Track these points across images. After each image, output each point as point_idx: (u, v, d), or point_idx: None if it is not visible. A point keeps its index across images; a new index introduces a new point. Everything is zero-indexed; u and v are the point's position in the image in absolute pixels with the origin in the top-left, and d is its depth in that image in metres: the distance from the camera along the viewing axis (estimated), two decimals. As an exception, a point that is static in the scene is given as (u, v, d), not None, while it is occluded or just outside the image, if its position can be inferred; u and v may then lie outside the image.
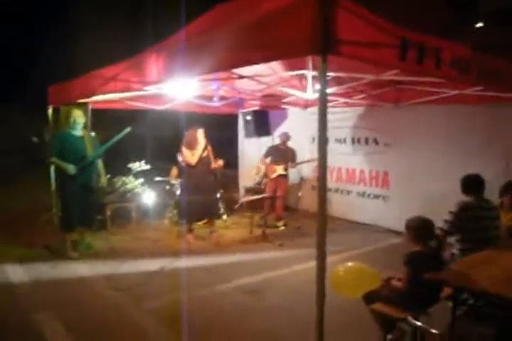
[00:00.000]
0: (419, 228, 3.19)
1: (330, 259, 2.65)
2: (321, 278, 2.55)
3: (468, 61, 3.52)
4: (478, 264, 3.17)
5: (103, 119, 7.60)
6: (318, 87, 2.54)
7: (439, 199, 5.54)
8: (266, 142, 8.45)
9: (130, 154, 9.28)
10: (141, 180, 7.56)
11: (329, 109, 2.55)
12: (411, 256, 3.09)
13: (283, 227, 7.29)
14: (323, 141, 2.52)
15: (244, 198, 7.33)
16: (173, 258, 5.44)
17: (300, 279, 4.81)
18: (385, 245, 6.25)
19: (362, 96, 6.17)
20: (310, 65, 4.30)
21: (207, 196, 6.19)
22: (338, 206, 7.68)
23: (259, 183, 8.25)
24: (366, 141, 7.38)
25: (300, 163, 7.34)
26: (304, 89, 5.29)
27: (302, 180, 7.50)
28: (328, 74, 2.49)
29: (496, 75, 3.99)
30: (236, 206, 8.03)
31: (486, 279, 2.83)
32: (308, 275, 4.54)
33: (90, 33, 20.31)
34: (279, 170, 7.22)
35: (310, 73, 4.55)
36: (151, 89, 4.54)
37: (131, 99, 6.28)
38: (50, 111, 6.98)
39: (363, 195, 7.49)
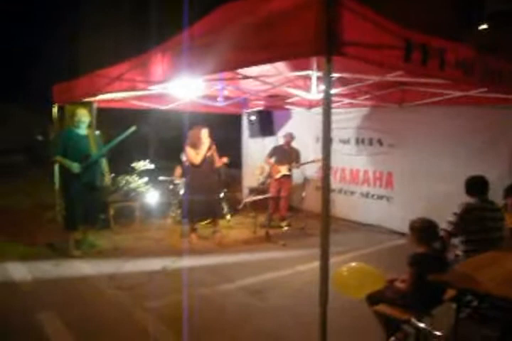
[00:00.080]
0: (423, 229, 3.18)
1: (333, 260, 2.66)
2: (325, 278, 2.55)
3: (472, 62, 3.52)
4: (482, 266, 3.15)
5: (108, 118, 7.61)
6: (322, 87, 2.54)
7: (443, 200, 5.53)
8: (270, 142, 8.45)
9: (134, 153, 9.32)
10: (145, 179, 7.57)
11: (333, 110, 2.55)
12: (415, 258, 3.08)
13: (286, 228, 7.28)
14: (327, 142, 2.52)
15: (247, 198, 7.33)
16: (176, 258, 5.45)
17: (303, 279, 4.80)
18: (388, 246, 6.24)
19: (366, 97, 6.16)
20: (315, 65, 4.30)
21: (210, 196, 6.19)
22: (342, 207, 7.66)
23: (263, 183, 8.24)
24: (370, 142, 7.36)
25: (304, 164, 7.33)
26: (308, 89, 5.29)
27: (306, 180, 7.49)
28: (332, 75, 2.49)
29: (500, 76, 3.98)
30: (240, 206, 8.03)
31: (490, 281, 2.82)
32: (311, 276, 4.56)
33: (94, 32, 20.35)
34: (283, 170, 7.22)
35: (315, 74, 4.55)
36: (156, 89, 4.55)
37: (136, 98, 6.30)
38: (55, 109, 7.01)
39: (366, 195, 7.47)
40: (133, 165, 7.64)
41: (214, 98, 6.29)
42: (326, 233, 2.53)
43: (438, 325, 3.18)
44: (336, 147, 7.60)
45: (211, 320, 3.87)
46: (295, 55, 2.64)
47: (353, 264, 4.02)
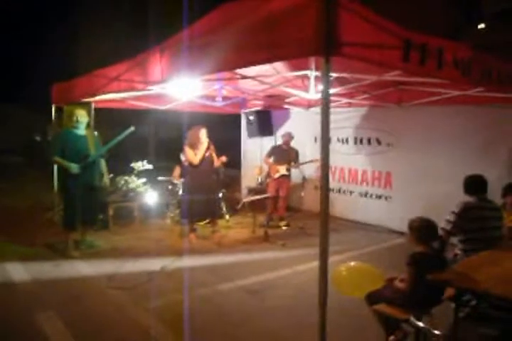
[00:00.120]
0: (422, 228, 3.19)
1: (332, 259, 2.66)
2: (324, 278, 2.56)
3: (470, 62, 3.53)
4: (481, 265, 3.16)
5: (106, 118, 7.61)
6: (321, 87, 2.54)
7: (441, 199, 5.53)
8: (268, 142, 8.46)
9: (133, 153, 9.32)
10: (144, 179, 7.57)
11: (332, 109, 2.56)
12: (414, 257, 3.08)
13: (285, 227, 7.29)
14: (325, 141, 2.52)
15: (246, 198, 7.33)
16: (175, 258, 5.45)
17: (302, 279, 4.80)
18: (387, 245, 6.25)
19: (364, 96, 6.17)
20: (313, 65, 4.31)
21: (209, 196, 6.19)
22: (341, 206, 7.67)
23: (261, 183, 8.25)
24: (369, 141, 7.38)
25: (303, 164, 7.33)
26: (306, 89, 5.29)
27: (305, 180, 7.50)
28: (331, 74, 2.49)
29: (498, 76, 3.99)
30: (238, 206, 8.04)
31: (489, 280, 2.82)
32: (310, 275, 4.57)
33: (93, 32, 20.31)
34: (282, 170, 7.22)
35: (313, 73, 4.55)
36: (154, 89, 4.55)
37: (134, 98, 6.30)
38: (53, 110, 7.01)
39: (365, 195, 7.49)
40: (132, 165, 7.64)
41: (212, 98, 6.28)
42: (325, 232, 2.53)
43: (437, 324, 3.18)
44: (334, 146, 7.61)
45: (210, 319, 3.87)
46: (294, 55, 2.65)
47: (352, 264, 4.03)
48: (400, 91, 5.89)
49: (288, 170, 7.27)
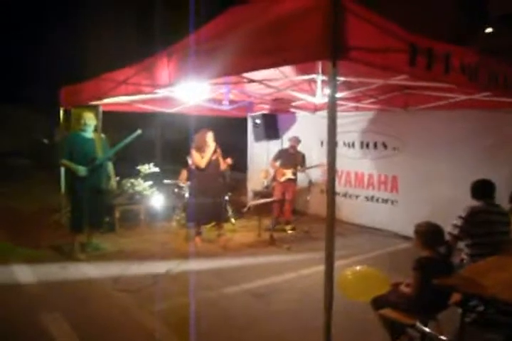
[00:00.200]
0: (428, 233, 3.18)
1: (338, 263, 2.65)
2: (330, 282, 2.55)
3: (477, 67, 3.52)
4: (488, 270, 3.14)
5: (113, 121, 7.65)
6: (327, 91, 2.55)
7: (448, 203, 5.51)
8: (275, 146, 8.47)
9: (139, 156, 9.35)
10: (150, 182, 7.59)
11: (338, 113, 2.56)
12: (420, 262, 3.07)
13: (291, 231, 7.28)
14: (332, 145, 2.52)
15: (252, 202, 7.33)
16: (180, 261, 5.45)
17: (308, 283, 4.80)
18: (393, 249, 6.23)
19: (371, 100, 6.17)
20: (320, 69, 4.32)
21: (215, 199, 6.20)
22: (347, 210, 7.66)
23: (267, 187, 8.25)
24: (375, 145, 7.36)
25: (309, 168, 7.33)
26: (313, 93, 5.30)
27: (311, 183, 7.49)
28: (337, 78, 2.50)
29: (505, 81, 3.98)
30: (244, 209, 8.04)
31: (496, 285, 2.80)
32: (316, 280, 4.56)
33: (94, 32, 20.42)
34: (288, 174, 7.22)
35: (319, 77, 4.56)
36: (161, 92, 4.58)
37: (141, 101, 6.34)
38: (61, 113, 7.06)
39: (371, 199, 7.46)
40: (138, 168, 7.67)
41: (219, 101, 6.31)
42: (331, 236, 2.53)
43: (443, 329, 3.17)
44: (340, 151, 7.60)
45: (215, 323, 3.87)
46: (301, 59, 2.66)
47: (358, 268, 4.01)
48: (407, 95, 5.88)
49: (294, 173, 7.26)
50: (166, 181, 7.71)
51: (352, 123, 7.52)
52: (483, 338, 3.27)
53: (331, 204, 2.54)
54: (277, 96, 6.61)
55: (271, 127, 8.37)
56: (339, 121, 2.54)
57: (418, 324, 3.04)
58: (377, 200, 7.37)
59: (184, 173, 7.41)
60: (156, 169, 7.77)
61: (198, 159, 6.09)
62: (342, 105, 6.71)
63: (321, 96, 5.04)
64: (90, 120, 5.54)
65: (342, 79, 4.60)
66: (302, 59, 2.64)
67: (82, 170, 5.34)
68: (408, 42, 2.82)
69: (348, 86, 5.32)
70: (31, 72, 20.38)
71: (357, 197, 7.72)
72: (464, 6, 10.95)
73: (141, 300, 4.30)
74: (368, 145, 7.48)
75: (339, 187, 7.75)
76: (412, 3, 9.94)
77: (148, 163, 7.83)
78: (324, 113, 7.00)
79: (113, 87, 4.89)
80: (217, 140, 6.24)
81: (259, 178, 8.71)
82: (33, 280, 4.81)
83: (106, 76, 5.16)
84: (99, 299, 4.35)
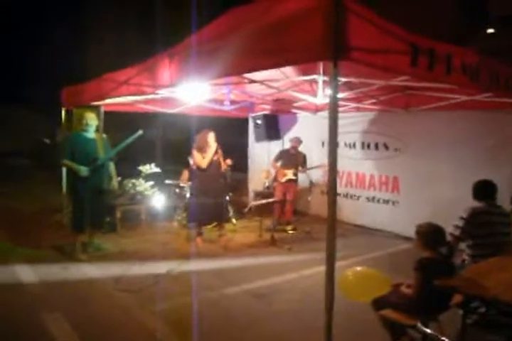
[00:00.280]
0: (430, 234, 3.17)
1: (339, 264, 2.66)
2: (330, 282, 2.55)
3: (478, 67, 3.52)
4: (489, 271, 3.14)
5: (115, 122, 7.66)
6: (328, 91, 2.55)
7: (449, 204, 5.50)
8: (276, 146, 8.47)
9: (141, 156, 9.36)
10: (151, 182, 7.60)
11: (339, 114, 2.56)
12: (421, 262, 3.07)
13: (292, 232, 7.28)
14: (333, 146, 2.52)
15: (253, 202, 7.33)
16: (181, 261, 5.45)
17: (309, 283, 4.80)
18: (394, 250, 6.22)
19: (372, 101, 6.17)
20: (321, 70, 4.32)
21: (216, 199, 6.21)
22: (348, 211, 7.66)
23: (268, 187, 8.25)
24: (376, 146, 7.36)
25: (310, 169, 7.33)
26: (314, 93, 5.31)
27: (312, 184, 7.49)
28: (339, 79, 2.50)
29: (506, 81, 3.98)
30: (245, 210, 8.04)
31: (498, 286, 2.80)
32: (317, 280, 4.56)
33: (94, 33, 20.43)
34: (289, 174, 7.22)
35: (321, 78, 4.56)
36: (163, 93, 4.58)
37: (143, 102, 6.35)
38: (63, 113, 7.07)
39: (372, 199, 7.46)
40: (139, 168, 7.68)
41: (220, 102, 6.31)
42: (332, 237, 2.53)
43: (444, 330, 3.17)
44: (341, 151, 7.60)
45: (216, 323, 3.88)
46: (302, 60, 2.66)
47: (359, 268, 4.01)
48: (408, 96, 5.88)
49: (295, 174, 7.26)
50: (167, 181, 7.72)
51: (353, 123, 7.52)
52: (484, 339, 3.27)
53: (332, 204, 2.54)
54: (278, 97, 6.61)
55: (272, 127, 8.38)
56: (340, 122, 2.53)
57: (419, 325, 3.04)
58: (378, 201, 7.37)
59: (185, 174, 7.41)
60: (158, 169, 7.77)
61: (200, 159, 6.09)
62: (343, 106, 6.71)
63: (322, 96, 5.04)
64: (92, 120, 5.55)
65: (343, 79, 4.60)
66: (303, 59, 2.64)
67: (83, 171, 5.35)
68: (410, 42, 2.82)
69: (349, 86, 5.32)
70: (31, 72, 20.39)
71: (358, 197, 7.72)
72: (463, 6, 10.94)
73: (142, 300, 4.31)
74: (369, 146, 7.48)
75: (340, 188, 7.75)
76: (412, 3, 9.95)
77: (150, 163, 7.84)
78: (325, 113, 7.01)
79: (114, 87, 4.90)
80: (218, 140, 6.25)
81: (261, 179, 8.71)
82: (35, 280, 4.82)
83: (107, 76, 5.17)
84: (100, 299, 4.36)
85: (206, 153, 6.10)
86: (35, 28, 20.75)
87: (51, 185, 9.56)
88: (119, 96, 5.05)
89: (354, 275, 3.83)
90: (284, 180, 7.25)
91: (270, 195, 7.59)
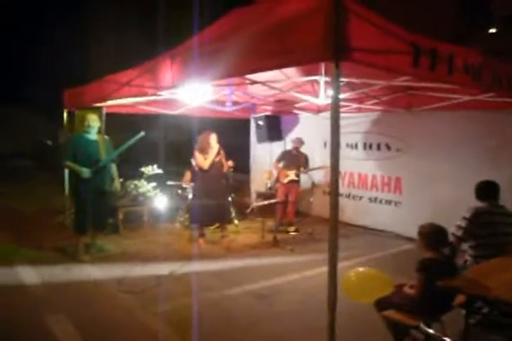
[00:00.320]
0: (432, 234, 3.17)
1: (341, 265, 2.65)
2: (333, 283, 2.55)
3: (481, 67, 3.52)
4: (492, 271, 3.14)
5: (117, 123, 7.67)
6: (330, 92, 2.55)
7: (451, 205, 5.50)
8: (278, 147, 8.47)
9: (143, 158, 9.37)
10: (154, 184, 7.61)
11: (341, 115, 2.56)
12: (423, 263, 3.06)
13: (294, 233, 7.27)
14: (335, 146, 2.52)
15: (255, 203, 7.33)
16: (184, 262, 5.45)
17: (311, 284, 4.79)
18: (396, 251, 6.21)
19: (374, 101, 6.17)
20: (323, 70, 4.32)
21: (219, 200, 6.21)
22: (350, 212, 7.65)
23: (270, 188, 8.25)
24: (378, 147, 7.35)
25: (312, 170, 7.33)
26: (316, 94, 5.30)
27: (314, 185, 7.48)
28: (340, 80, 2.50)
29: (509, 81, 3.98)
30: (247, 211, 8.03)
31: (500, 287, 2.79)
32: (319, 281, 4.55)
33: (95, 33, 20.44)
34: (291, 175, 7.22)
35: (322, 79, 4.56)
36: (164, 94, 4.59)
37: (144, 103, 6.35)
38: (65, 114, 7.09)
39: (375, 200, 7.45)
40: (141, 169, 7.69)
41: (222, 103, 6.32)
42: (335, 238, 2.53)
43: (447, 331, 3.16)
44: (343, 152, 7.57)
45: (218, 324, 3.88)
46: (303, 60, 2.66)
47: (361, 269, 4.01)
48: (410, 96, 5.88)
49: (297, 175, 7.26)
50: (169, 182, 7.72)
51: (355, 124, 7.51)
52: (487, 340, 3.26)
53: (335, 205, 2.54)
54: (280, 98, 6.61)
55: (274, 128, 8.37)
56: (342, 122, 2.53)
57: (422, 325, 3.04)
58: (380, 202, 7.36)
59: (188, 175, 7.42)
60: (160, 171, 7.78)
61: (202, 160, 6.10)
62: (345, 106, 6.70)
63: (324, 97, 5.04)
64: (94, 122, 5.56)
65: (345, 80, 4.60)
66: (305, 60, 2.64)
67: (85, 172, 5.36)
68: (411, 43, 2.82)
69: (351, 87, 5.32)
70: (31, 72, 20.41)
71: (360, 198, 7.71)
72: (464, 6, 10.93)
73: (144, 301, 4.31)
74: (371, 147, 7.47)
75: (342, 189, 7.74)
76: (413, 4, 9.94)
77: (152, 164, 7.84)
78: (327, 114, 6.98)
79: (116, 88, 4.91)
80: (220, 141, 6.25)
81: (263, 179, 8.71)
82: (38, 281, 4.83)
83: (109, 78, 5.18)
84: (103, 300, 4.36)
85: (208, 154, 6.11)
86: (35, 28, 20.77)
87: (53, 187, 9.59)
88: (120, 97, 5.06)
89: (356, 276, 3.82)
90: (285, 180, 7.25)
91: (272, 196, 7.59)
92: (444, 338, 3.09)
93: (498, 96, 4.52)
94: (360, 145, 7.64)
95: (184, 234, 6.89)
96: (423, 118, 6.47)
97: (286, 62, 2.75)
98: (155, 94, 4.51)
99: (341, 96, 4.92)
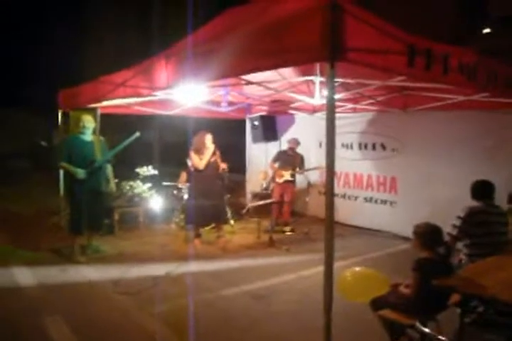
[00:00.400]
0: (427, 234, 3.18)
1: (337, 264, 2.66)
2: (329, 283, 2.56)
3: (476, 67, 3.54)
4: (487, 271, 3.15)
5: (112, 124, 7.65)
6: (325, 92, 2.56)
7: (447, 204, 5.52)
8: (273, 147, 8.47)
9: (138, 159, 9.35)
10: (149, 184, 7.59)
11: (336, 115, 2.56)
12: (419, 263, 3.08)
13: (290, 233, 7.28)
14: (331, 147, 2.53)
15: (251, 203, 7.33)
16: (180, 263, 5.45)
17: (307, 284, 4.80)
18: (392, 251, 6.23)
19: (369, 101, 6.18)
20: (318, 70, 4.33)
21: (214, 201, 6.20)
22: (346, 212, 7.65)
23: (266, 188, 8.26)
24: (373, 147, 7.37)
25: (308, 170, 7.34)
26: (311, 94, 5.31)
27: (309, 185, 7.49)
28: (336, 80, 2.50)
29: (504, 81, 4.00)
30: (243, 211, 8.04)
31: (496, 285, 2.81)
32: (315, 281, 4.56)
33: (95, 34, 20.37)
34: (286, 175, 7.22)
35: (318, 79, 4.57)
36: (159, 95, 4.58)
37: (139, 104, 6.34)
38: (59, 115, 7.06)
39: (370, 200, 7.47)
40: (137, 170, 7.67)
41: (218, 103, 6.32)
42: (331, 238, 2.53)
43: (443, 330, 3.17)
44: (339, 152, 7.60)
45: (215, 324, 3.87)
46: (299, 61, 2.67)
47: (357, 269, 4.02)
48: (405, 96, 5.90)
49: (292, 175, 7.26)
50: (164, 183, 7.71)
51: (350, 124, 7.53)
52: (482, 339, 3.27)
53: (330, 205, 2.55)
54: (276, 98, 6.62)
55: (269, 129, 8.38)
56: (337, 123, 2.54)
57: (417, 324, 3.05)
58: (376, 201, 7.38)
59: (184, 175, 7.42)
60: (155, 171, 7.77)
61: (197, 161, 6.10)
62: (340, 106, 6.71)
63: (320, 97, 5.04)
64: (89, 123, 5.54)
65: (340, 80, 4.61)
66: (301, 61, 2.64)
67: (81, 173, 5.34)
68: (406, 43, 2.83)
69: (346, 87, 5.33)
70: (31, 72, 20.33)
71: (356, 198, 7.73)
72: (463, 7, 10.97)
73: (141, 302, 4.30)
74: (366, 147, 7.49)
75: (338, 189, 7.76)
76: (412, 5, 9.96)
77: (147, 165, 7.83)
78: (323, 114, 7.02)
79: (111, 89, 4.90)
80: (215, 142, 6.25)
81: (258, 180, 8.72)
82: (33, 282, 4.81)
83: (104, 78, 5.17)
84: (99, 301, 4.35)
85: (203, 154, 6.10)
86: (35, 28, 20.68)
87: (48, 188, 9.56)
88: (115, 98, 5.05)
89: (352, 276, 3.83)
90: (281, 180, 7.25)
91: (268, 196, 7.60)
92: (440, 337, 3.10)
93: (493, 96, 4.54)
94: (355, 145, 7.65)
95: (180, 235, 6.88)
96: (418, 118, 6.49)
97: (281, 62, 2.75)
98: (150, 95, 4.51)
99: (336, 96, 4.93)
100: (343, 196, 7.88)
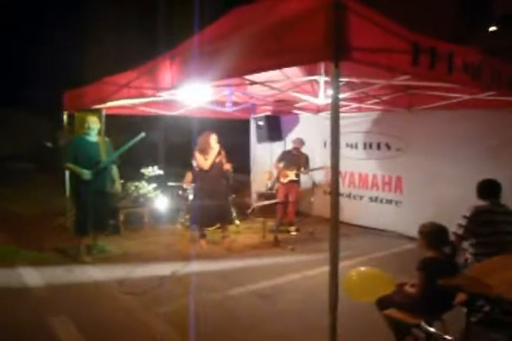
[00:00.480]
0: (433, 234, 3.17)
1: (342, 264, 2.65)
2: (334, 282, 2.56)
3: (480, 66, 3.52)
4: (493, 270, 3.14)
5: (117, 125, 7.67)
6: (330, 92, 2.55)
7: (452, 204, 5.50)
8: (278, 147, 8.47)
9: (143, 159, 9.38)
10: (154, 185, 7.61)
11: (341, 114, 2.56)
12: (424, 262, 3.07)
13: (295, 232, 7.28)
14: (335, 147, 2.52)
15: (256, 203, 7.34)
16: (185, 263, 5.46)
17: (312, 284, 4.80)
18: (397, 250, 6.21)
19: (374, 101, 6.17)
20: (322, 70, 4.32)
21: (220, 201, 6.21)
22: (351, 211, 7.65)
23: (271, 188, 8.26)
24: (378, 146, 7.36)
25: (312, 170, 7.33)
26: (315, 94, 5.31)
27: (314, 185, 7.49)
28: (340, 79, 2.50)
29: (508, 80, 3.98)
30: (248, 211, 8.04)
31: (502, 285, 2.79)
32: (320, 280, 4.56)
33: (96, 34, 20.41)
34: (291, 175, 7.22)
35: (322, 78, 4.56)
36: (164, 95, 4.59)
37: (144, 104, 6.36)
38: (65, 116, 7.09)
39: (375, 200, 7.45)
40: (142, 171, 7.69)
41: (222, 103, 6.33)
42: (335, 237, 2.53)
43: (448, 329, 3.16)
44: (343, 152, 7.57)
45: (221, 324, 3.88)
46: (303, 60, 2.67)
47: (362, 268, 4.01)
48: (410, 95, 5.88)
49: (297, 175, 7.26)
50: (170, 183, 7.73)
51: (355, 124, 7.52)
52: (488, 338, 3.26)
53: (335, 205, 2.54)
54: (280, 98, 6.62)
55: (274, 129, 8.38)
56: (342, 122, 2.54)
57: (423, 324, 3.04)
58: (381, 201, 7.36)
59: (189, 176, 7.43)
60: (160, 172, 7.79)
61: (202, 161, 6.11)
62: (345, 106, 6.70)
63: (324, 97, 5.04)
64: (94, 124, 5.57)
65: (345, 80, 4.60)
66: (305, 60, 2.64)
67: (86, 174, 5.36)
68: (411, 41, 2.82)
69: (351, 86, 5.32)
70: (31, 72, 20.40)
71: (361, 198, 7.71)
72: (464, 5, 10.92)
73: (146, 302, 4.31)
74: (371, 146, 7.47)
75: (343, 188, 7.75)
76: (412, 3, 9.93)
77: (152, 165, 7.85)
78: (327, 114, 7.01)
79: (115, 90, 4.91)
80: (220, 142, 6.26)
81: (263, 180, 8.71)
82: (40, 283, 4.83)
83: (108, 79, 5.18)
84: (105, 301, 4.37)
85: (208, 154, 6.11)
86: (36, 28, 20.76)
87: (52, 189, 9.60)
88: (120, 99, 5.06)
89: (358, 276, 3.83)
90: (285, 180, 7.25)
91: (273, 196, 7.60)
92: (446, 336, 3.09)
93: (499, 95, 4.52)
94: (360, 145, 7.64)
95: (185, 235, 6.90)
96: (423, 117, 6.47)
97: (285, 62, 2.75)
98: (154, 95, 4.52)
99: (341, 95, 4.93)
100: (348, 196, 7.87)
